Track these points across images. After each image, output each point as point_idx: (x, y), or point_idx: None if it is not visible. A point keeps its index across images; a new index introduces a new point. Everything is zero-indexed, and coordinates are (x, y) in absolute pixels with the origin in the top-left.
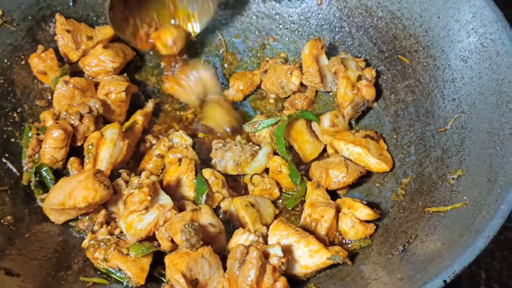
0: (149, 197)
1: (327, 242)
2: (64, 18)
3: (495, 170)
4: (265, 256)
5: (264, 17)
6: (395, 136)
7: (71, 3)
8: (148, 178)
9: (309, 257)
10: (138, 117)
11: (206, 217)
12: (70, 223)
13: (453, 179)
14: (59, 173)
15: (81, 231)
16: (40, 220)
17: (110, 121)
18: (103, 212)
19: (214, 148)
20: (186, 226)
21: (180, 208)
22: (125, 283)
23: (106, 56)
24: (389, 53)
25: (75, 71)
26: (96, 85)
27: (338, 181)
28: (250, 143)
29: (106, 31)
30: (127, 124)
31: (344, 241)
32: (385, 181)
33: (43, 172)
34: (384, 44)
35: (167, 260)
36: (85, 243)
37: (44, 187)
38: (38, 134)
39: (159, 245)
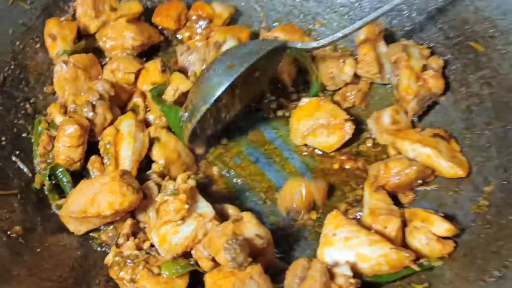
0: (186, 206)
1: None
2: None
3: None
4: (330, 275)
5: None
6: (469, 136)
7: None
8: (186, 183)
9: (368, 245)
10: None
11: (250, 228)
12: (91, 234)
13: None
14: (78, 174)
15: (104, 244)
16: (54, 231)
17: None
18: (129, 221)
19: (179, 54)
20: (230, 242)
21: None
22: None
23: (128, 31)
24: (457, 40)
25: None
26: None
27: (400, 174)
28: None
29: (133, 6)
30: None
31: None
32: (461, 188)
33: (59, 174)
34: (451, 29)
35: (208, 279)
36: (108, 260)
37: (60, 192)
38: (48, 129)
39: (197, 262)
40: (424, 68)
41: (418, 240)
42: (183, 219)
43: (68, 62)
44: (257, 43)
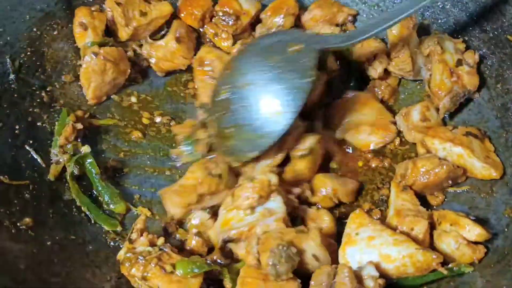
0: (256, 195)
1: None
2: None
3: None
4: (358, 279)
5: None
6: (504, 135)
7: None
8: (265, 175)
9: (393, 245)
10: None
11: (311, 245)
12: (106, 229)
13: None
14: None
15: (118, 239)
16: (66, 225)
17: None
18: (143, 216)
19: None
20: (280, 247)
21: None
22: None
23: (176, 52)
24: (494, 33)
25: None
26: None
27: (429, 173)
28: None
29: (163, 8)
30: None
31: None
32: (494, 190)
33: (88, 165)
34: (487, 22)
35: (242, 271)
36: (120, 255)
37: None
38: (76, 122)
39: (216, 262)
40: (459, 63)
41: (447, 244)
42: (252, 208)
43: (98, 54)
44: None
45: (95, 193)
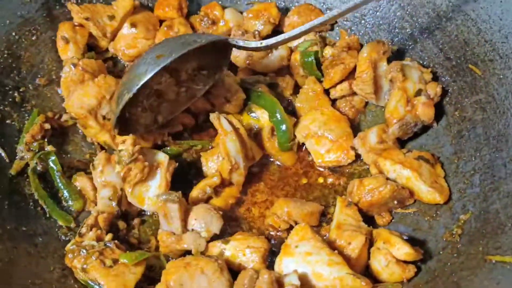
0: (146, 163)
1: None
2: (77, 6)
3: None
4: (279, 285)
5: None
6: (456, 161)
7: None
8: (134, 146)
9: (327, 265)
10: None
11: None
12: (60, 223)
13: None
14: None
15: (69, 234)
16: (21, 217)
17: None
18: (95, 214)
19: (233, 34)
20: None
21: None
22: None
23: (137, 37)
24: (457, 62)
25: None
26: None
27: (373, 192)
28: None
29: (125, 3)
30: None
31: None
32: (438, 214)
33: (50, 163)
34: (452, 50)
35: (167, 265)
36: (68, 248)
37: (40, 179)
38: (45, 122)
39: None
40: (418, 93)
41: (378, 261)
42: (147, 174)
43: (77, 65)
44: (194, 36)
45: (56, 189)
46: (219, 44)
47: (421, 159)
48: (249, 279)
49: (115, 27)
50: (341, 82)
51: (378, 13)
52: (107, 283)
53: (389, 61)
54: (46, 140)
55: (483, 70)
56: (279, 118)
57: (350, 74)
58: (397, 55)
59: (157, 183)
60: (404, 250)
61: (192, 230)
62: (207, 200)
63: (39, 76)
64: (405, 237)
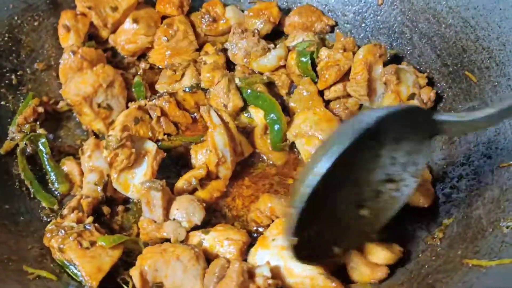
0: (133, 150)
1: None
2: None
3: None
4: (250, 275)
5: None
6: (445, 167)
7: None
8: (123, 132)
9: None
10: None
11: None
12: (43, 204)
13: (507, 227)
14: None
15: (51, 215)
16: (5, 195)
17: None
18: (78, 197)
19: (232, 32)
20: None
21: None
22: (82, 280)
23: (137, 33)
24: (454, 68)
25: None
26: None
27: None
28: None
29: None
30: None
31: None
32: (422, 217)
33: (40, 145)
34: (449, 56)
35: (144, 251)
36: (47, 228)
37: (30, 161)
38: (39, 106)
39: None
40: (412, 97)
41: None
42: (134, 161)
43: (76, 53)
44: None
45: (44, 172)
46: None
47: None
48: (220, 267)
49: (117, 18)
50: (335, 83)
51: (378, 17)
52: (82, 264)
53: (386, 65)
54: (38, 123)
55: (478, 77)
56: (275, 118)
57: (345, 76)
58: (394, 59)
59: (143, 171)
60: (382, 255)
61: (174, 219)
62: (192, 192)
63: (37, 61)
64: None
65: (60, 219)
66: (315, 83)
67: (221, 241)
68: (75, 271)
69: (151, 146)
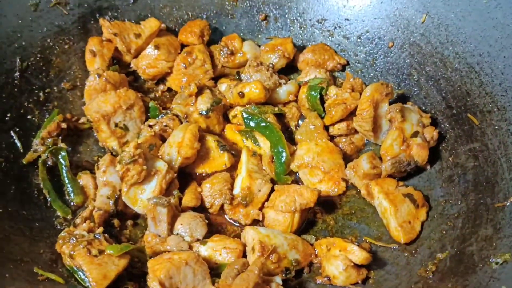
0: (145, 167)
1: None
2: (108, 22)
3: None
4: (265, 281)
5: None
6: (443, 204)
7: (131, 1)
8: (137, 149)
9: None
10: None
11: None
12: (58, 213)
13: (496, 263)
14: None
15: (64, 224)
16: (24, 201)
17: None
18: (90, 207)
19: (248, 64)
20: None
21: None
22: (88, 286)
23: (158, 58)
24: (457, 110)
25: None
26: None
27: None
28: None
29: (152, 24)
30: None
31: None
32: (418, 251)
33: (60, 158)
34: (454, 99)
35: (149, 264)
36: (60, 235)
37: (49, 172)
38: (62, 122)
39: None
40: (415, 134)
41: (336, 266)
42: (144, 178)
43: (101, 76)
44: None
45: (61, 183)
46: None
47: (408, 197)
48: (241, 263)
49: (140, 44)
50: (340, 121)
51: (388, 59)
52: (89, 270)
53: (392, 103)
54: (60, 138)
55: (480, 120)
56: (280, 151)
57: (350, 115)
58: (401, 98)
59: (152, 188)
60: (360, 255)
61: (177, 234)
62: None
63: (64, 80)
64: (356, 244)
65: (72, 228)
66: (322, 118)
67: (219, 250)
68: (83, 277)
69: (162, 165)
